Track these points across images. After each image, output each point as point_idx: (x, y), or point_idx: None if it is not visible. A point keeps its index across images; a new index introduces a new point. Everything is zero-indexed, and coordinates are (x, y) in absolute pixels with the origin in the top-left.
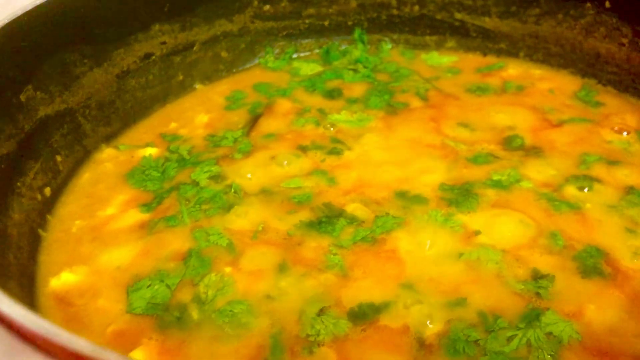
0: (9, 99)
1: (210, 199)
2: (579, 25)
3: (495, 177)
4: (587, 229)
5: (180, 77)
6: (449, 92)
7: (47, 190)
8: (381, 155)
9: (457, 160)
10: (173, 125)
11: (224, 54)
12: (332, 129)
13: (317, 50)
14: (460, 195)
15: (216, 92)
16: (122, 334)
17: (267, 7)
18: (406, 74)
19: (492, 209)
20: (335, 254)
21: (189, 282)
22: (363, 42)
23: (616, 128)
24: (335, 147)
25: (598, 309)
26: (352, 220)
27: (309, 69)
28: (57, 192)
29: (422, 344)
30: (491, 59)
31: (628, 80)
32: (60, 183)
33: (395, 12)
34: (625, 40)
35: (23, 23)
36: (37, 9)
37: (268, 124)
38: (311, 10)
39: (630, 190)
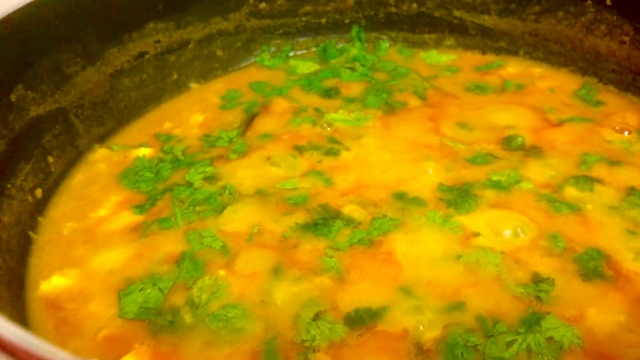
0: None
1: (204, 200)
2: (580, 23)
3: (495, 178)
4: (588, 231)
5: (175, 76)
6: (448, 91)
7: (39, 192)
8: (379, 156)
9: (455, 160)
10: (167, 125)
11: (219, 52)
12: (329, 128)
13: (314, 49)
14: (459, 196)
15: (211, 91)
16: (114, 339)
17: (263, 4)
18: (404, 72)
19: (491, 210)
20: (331, 257)
21: (182, 286)
22: (360, 40)
23: (617, 127)
24: (332, 147)
25: (599, 313)
26: (349, 222)
27: (306, 67)
28: (49, 194)
29: (420, 349)
30: (490, 58)
31: (629, 78)
32: (52, 184)
33: (393, 9)
34: (626, 38)
35: (13, 21)
36: (27, 7)
37: (264, 124)
38: (308, 8)
39: (631, 191)
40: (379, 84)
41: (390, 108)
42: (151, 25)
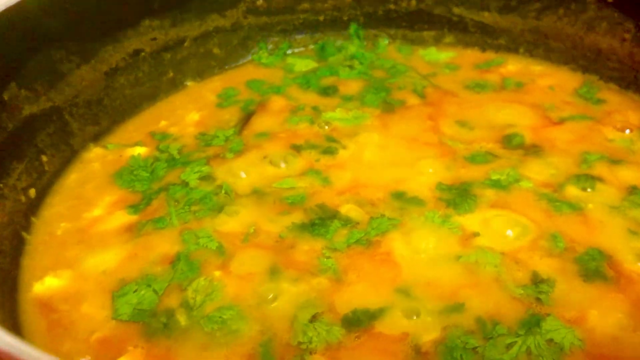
0: None
1: (200, 200)
2: (580, 20)
3: (494, 177)
4: (588, 231)
5: (171, 74)
6: (447, 88)
7: (32, 192)
8: (377, 155)
9: (454, 159)
10: (163, 123)
11: (216, 50)
12: (326, 127)
13: (311, 46)
14: (458, 196)
15: (208, 90)
16: (107, 342)
17: (260, 1)
18: (403, 70)
19: (491, 210)
20: (328, 257)
21: (177, 287)
22: (359, 38)
23: (618, 126)
24: (330, 146)
25: (601, 314)
26: (347, 222)
27: (304, 65)
28: (43, 194)
29: (418, 352)
30: (490, 55)
31: (630, 76)
32: (46, 184)
33: (392, 6)
34: (627, 36)
35: (5, 18)
36: (20, 4)
37: (261, 122)
38: (306, 5)
39: (633, 190)
40: (377, 82)
41: (389, 106)
42: (147, 22)
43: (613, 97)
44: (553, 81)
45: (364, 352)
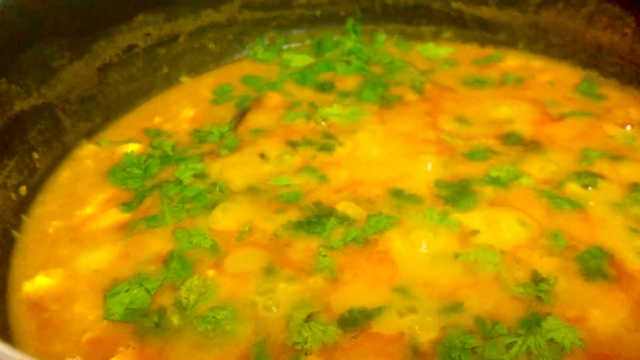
0: None
1: (193, 197)
2: (581, 14)
3: (493, 174)
4: (590, 229)
5: (165, 70)
6: (446, 84)
7: (23, 189)
8: (374, 151)
9: (453, 156)
10: (157, 120)
11: (211, 45)
12: (323, 123)
13: (308, 42)
14: (456, 193)
15: (202, 85)
16: (99, 342)
17: None
18: (401, 66)
19: (490, 207)
20: (324, 256)
21: (169, 286)
22: (356, 33)
23: (619, 122)
24: (326, 142)
25: (602, 313)
26: (343, 219)
27: (300, 60)
28: (34, 191)
29: (416, 352)
30: (489, 50)
31: (631, 72)
32: (37, 181)
33: (389, 1)
34: (628, 30)
35: None
36: None
37: (256, 119)
38: (302, 0)
39: (634, 187)
40: (375, 78)
41: (387, 102)
42: (141, 17)
43: (614, 93)
44: (553, 77)
45: (361, 353)
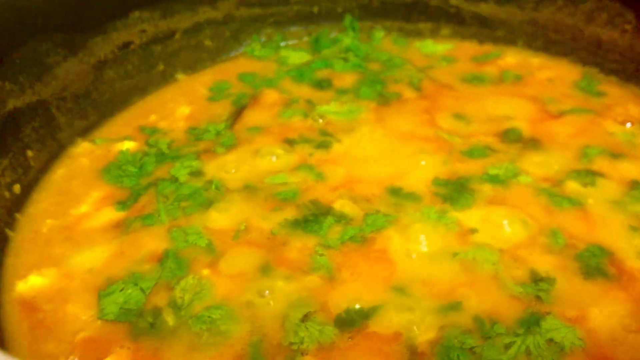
0: None
1: (189, 195)
2: (580, 11)
3: (492, 172)
4: (589, 227)
5: (161, 67)
6: (444, 82)
7: (17, 188)
8: (372, 149)
9: (451, 153)
10: (153, 117)
11: (207, 42)
12: (320, 120)
13: (305, 38)
14: (454, 191)
15: (199, 83)
16: (92, 342)
17: None
18: (399, 63)
19: (489, 205)
20: (321, 255)
21: (164, 286)
22: (354, 30)
23: (619, 119)
24: (323, 140)
25: (602, 313)
26: (340, 218)
27: (297, 57)
28: (28, 190)
29: (413, 352)
30: (488, 47)
31: (631, 68)
32: (31, 180)
33: None
34: (628, 27)
35: None
36: None
37: (253, 116)
38: None
39: (634, 184)
40: (372, 75)
41: (385, 99)
42: (136, 14)
43: (614, 90)
44: (552, 74)
45: (358, 353)
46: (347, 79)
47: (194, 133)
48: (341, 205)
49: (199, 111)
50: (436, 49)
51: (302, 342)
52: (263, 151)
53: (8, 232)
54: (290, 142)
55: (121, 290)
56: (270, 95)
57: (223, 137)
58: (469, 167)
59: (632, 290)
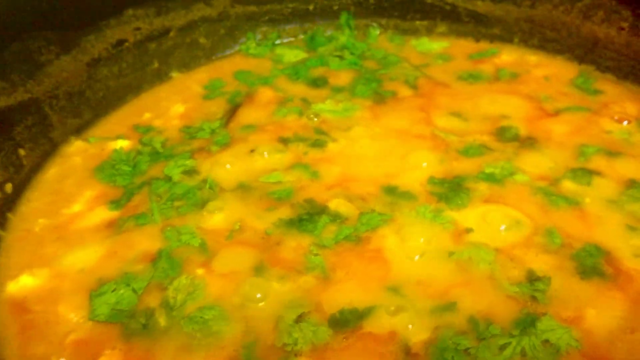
0: None
1: (183, 195)
2: (576, 8)
3: (488, 170)
4: (586, 226)
5: (156, 65)
6: (440, 79)
7: (9, 187)
8: (367, 148)
9: (447, 152)
10: (147, 115)
11: (202, 40)
12: (315, 119)
13: (301, 36)
14: (450, 190)
15: (194, 81)
16: (83, 344)
17: None
18: (395, 61)
19: (485, 204)
20: (316, 255)
21: (157, 286)
22: (350, 28)
23: (616, 117)
24: (318, 138)
25: (598, 313)
26: (335, 217)
27: (293, 55)
28: (20, 189)
29: (408, 353)
30: (484, 45)
31: (628, 66)
32: (24, 179)
33: None
34: (625, 24)
35: None
36: None
37: (248, 115)
38: None
39: (631, 183)
40: (368, 73)
41: (380, 98)
42: (130, 11)
43: (610, 88)
44: (548, 71)
45: (352, 354)
46: (342, 77)
47: (189, 131)
48: (336, 204)
49: (194, 109)
50: (432, 46)
51: (296, 343)
52: (258, 150)
53: None
54: (285, 141)
55: (113, 290)
56: (265, 94)
57: (217, 136)
58: (465, 166)
59: (629, 290)
